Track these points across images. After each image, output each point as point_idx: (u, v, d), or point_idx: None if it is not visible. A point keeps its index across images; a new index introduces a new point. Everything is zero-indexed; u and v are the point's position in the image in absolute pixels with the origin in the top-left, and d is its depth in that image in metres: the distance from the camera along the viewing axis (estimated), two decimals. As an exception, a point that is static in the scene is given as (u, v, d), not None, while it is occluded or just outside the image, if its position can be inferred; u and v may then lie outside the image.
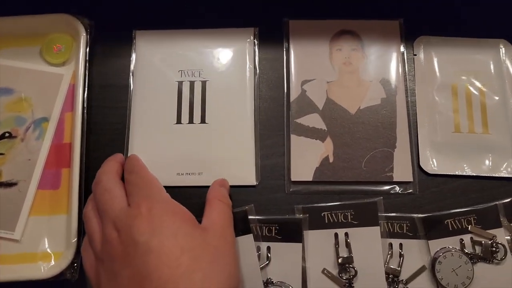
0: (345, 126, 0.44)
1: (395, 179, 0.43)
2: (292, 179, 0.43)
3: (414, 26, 0.48)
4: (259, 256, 0.41)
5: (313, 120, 0.44)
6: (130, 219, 0.34)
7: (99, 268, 0.35)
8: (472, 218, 0.42)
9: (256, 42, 0.47)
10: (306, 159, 0.43)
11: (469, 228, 0.41)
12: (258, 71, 0.46)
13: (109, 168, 0.39)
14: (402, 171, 0.43)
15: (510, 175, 0.43)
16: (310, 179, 0.43)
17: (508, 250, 0.41)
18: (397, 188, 0.43)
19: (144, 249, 0.32)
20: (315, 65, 0.46)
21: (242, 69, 0.46)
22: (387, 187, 0.43)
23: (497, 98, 0.46)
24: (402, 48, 0.47)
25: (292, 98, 0.45)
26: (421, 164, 0.44)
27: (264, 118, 0.45)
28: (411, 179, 0.43)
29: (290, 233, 0.41)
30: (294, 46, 0.47)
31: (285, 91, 0.45)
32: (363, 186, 0.43)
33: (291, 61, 0.46)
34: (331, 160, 0.43)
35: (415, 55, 0.47)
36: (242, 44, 0.46)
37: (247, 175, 0.43)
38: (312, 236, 0.41)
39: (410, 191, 0.43)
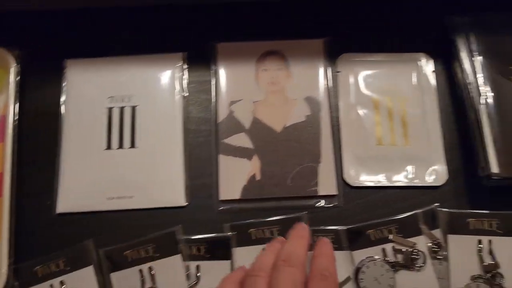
0: (271, 144, 0.46)
1: (320, 193, 0.45)
2: (221, 198, 0.44)
3: (339, 44, 0.50)
4: (188, 275, 0.42)
5: (240, 140, 0.46)
6: None
7: None
8: (393, 227, 0.43)
9: (185, 66, 0.49)
10: (233, 178, 0.45)
11: (390, 237, 0.43)
12: (187, 94, 0.48)
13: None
14: (327, 185, 0.45)
15: (429, 184, 0.46)
16: (238, 197, 0.44)
17: (428, 257, 0.43)
18: (322, 202, 0.45)
19: None
20: (242, 86, 0.48)
21: (171, 93, 0.47)
22: (312, 202, 0.45)
23: (417, 110, 0.48)
24: (326, 66, 0.49)
25: (220, 119, 0.47)
26: (345, 177, 0.45)
27: (193, 139, 0.47)
28: (336, 193, 0.45)
29: (219, 251, 0.43)
30: (222, 68, 0.48)
31: (213, 112, 0.47)
32: (290, 201, 0.45)
33: (219, 83, 0.48)
34: (258, 177, 0.45)
35: (339, 71, 0.49)
36: (171, 69, 0.48)
37: (176, 196, 0.44)
38: (239, 253, 0.43)
39: (336, 203, 0.45)
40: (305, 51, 0.49)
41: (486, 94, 0.45)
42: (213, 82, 0.48)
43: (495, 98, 0.45)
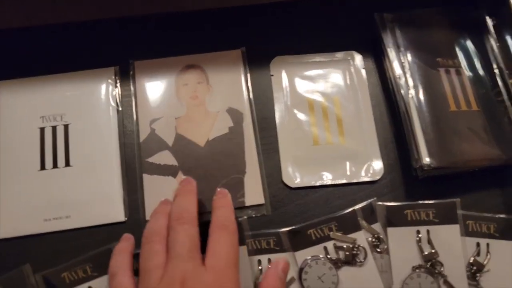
0: (195, 159, 0.45)
1: (247, 204, 0.45)
2: (147, 218, 0.43)
3: (265, 50, 0.50)
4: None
5: (164, 158, 0.45)
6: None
7: None
8: (333, 225, 0.44)
9: (118, 80, 0.48)
10: (159, 196, 0.43)
11: (330, 235, 0.44)
12: (121, 109, 0.47)
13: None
14: (253, 195, 0.45)
15: (367, 180, 0.46)
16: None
17: (368, 251, 0.43)
18: (250, 212, 0.45)
19: None
20: (162, 102, 0.47)
21: (105, 108, 0.47)
22: (242, 213, 0.44)
23: (351, 108, 0.49)
24: (246, 75, 0.49)
25: (141, 138, 0.46)
26: (283, 179, 0.46)
27: (130, 153, 0.46)
28: (263, 202, 0.45)
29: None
30: (140, 86, 0.48)
31: (135, 133, 0.47)
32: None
33: (138, 102, 0.48)
34: (183, 195, 0.44)
35: (272, 75, 0.50)
36: (103, 84, 0.48)
37: (115, 212, 0.44)
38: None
39: (263, 213, 0.45)
40: (224, 62, 0.49)
41: (415, 87, 0.47)
42: (133, 101, 0.48)
43: (424, 90, 0.47)
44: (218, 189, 0.43)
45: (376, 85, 0.50)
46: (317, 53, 0.51)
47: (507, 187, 0.46)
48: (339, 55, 0.51)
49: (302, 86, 0.49)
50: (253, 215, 0.45)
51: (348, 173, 0.46)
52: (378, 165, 0.47)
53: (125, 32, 0.51)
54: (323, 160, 0.47)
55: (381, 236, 0.44)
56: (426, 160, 0.44)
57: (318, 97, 0.49)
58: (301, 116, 0.48)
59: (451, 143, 0.44)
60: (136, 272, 0.38)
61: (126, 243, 0.41)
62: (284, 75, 0.50)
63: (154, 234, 0.38)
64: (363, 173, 0.46)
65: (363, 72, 0.50)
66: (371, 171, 0.46)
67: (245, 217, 0.44)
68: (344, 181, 0.46)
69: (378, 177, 0.46)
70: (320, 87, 0.49)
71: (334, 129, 0.48)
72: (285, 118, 0.48)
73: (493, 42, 0.49)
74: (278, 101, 0.49)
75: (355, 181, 0.46)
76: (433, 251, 0.43)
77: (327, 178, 0.46)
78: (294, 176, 0.46)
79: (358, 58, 0.50)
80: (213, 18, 0.52)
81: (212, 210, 0.41)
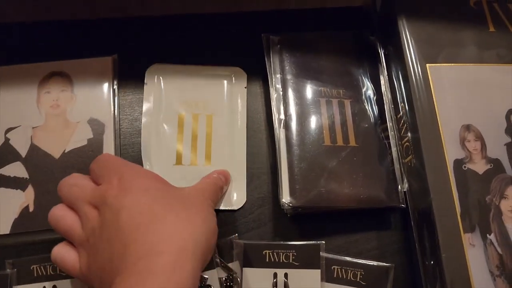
0: (48, 172, 0.42)
1: None
2: (-10, 233, 0.40)
3: (149, 58, 0.47)
4: None
5: (15, 169, 0.42)
6: (104, 192, 0.34)
7: (82, 253, 0.34)
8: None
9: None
10: (3, 211, 0.40)
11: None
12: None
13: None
14: None
15: (229, 208, 0.42)
16: (8, 231, 0.40)
17: (218, 291, 0.39)
18: None
19: (117, 208, 0.32)
20: (21, 111, 0.44)
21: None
22: None
23: (224, 129, 0.45)
24: (113, 85, 0.45)
25: None
26: None
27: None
28: None
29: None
30: (1, 93, 0.44)
31: None
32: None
33: None
34: (31, 209, 0.41)
35: (146, 84, 0.46)
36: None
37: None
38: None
39: None
40: (92, 70, 0.46)
41: (288, 116, 0.43)
42: None
43: (298, 120, 0.43)
44: None
45: (260, 110, 0.46)
46: (197, 65, 0.47)
47: (383, 231, 0.43)
48: (222, 69, 0.46)
49: (176, 98, 0.45)
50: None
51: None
52: (241, 194, 0.43)
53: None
54: (183, 182, 0.41)
55: (235, 276, 0.40)
56: (286, 198, 0.40)
57: (190, 112, 0.45)
58: (169, 130, 0.44)
59: (317, 181, 0.40)
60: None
61: None
62: (158, 85, 0.46)
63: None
64: (222, 202, 0.42)
65: (245, 92, 0.46)
66: (234, 199, 0.42)
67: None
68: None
69: (238, 207, 0.42)
70: (194, 102, 0.45)
71: (202, 150, 0.44)
72: (152, 131, 0.44)
73: (384, 74, 0.46)
74: (147, 112, 0.45)
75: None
76: (288, 297, 0.39)
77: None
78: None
79: (242, 77, 0.46)
80: (86, 26, 0.49)
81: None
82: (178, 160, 0.43)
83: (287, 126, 0.42)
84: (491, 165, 0.39)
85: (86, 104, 0.44)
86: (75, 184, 0.36)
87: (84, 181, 0.36)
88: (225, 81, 0.46)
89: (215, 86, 0.46)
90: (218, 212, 0.42)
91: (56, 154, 0.43)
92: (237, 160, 0.44)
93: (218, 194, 0.41)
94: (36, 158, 0.42)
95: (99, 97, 0.45)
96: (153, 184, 0.35)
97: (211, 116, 0.45)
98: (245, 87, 0.46)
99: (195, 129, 0.44)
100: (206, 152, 0.44)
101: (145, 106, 0.45)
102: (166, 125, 0.44)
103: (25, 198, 0.41)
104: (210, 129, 0.45)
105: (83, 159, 0.42)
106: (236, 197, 0.43)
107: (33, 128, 0.43)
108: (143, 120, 0.45)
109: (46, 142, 0.43)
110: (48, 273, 0.40)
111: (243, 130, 0.45)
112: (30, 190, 0.41)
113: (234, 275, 0.40)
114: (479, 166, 0.39)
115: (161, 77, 0.46)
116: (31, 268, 0.40)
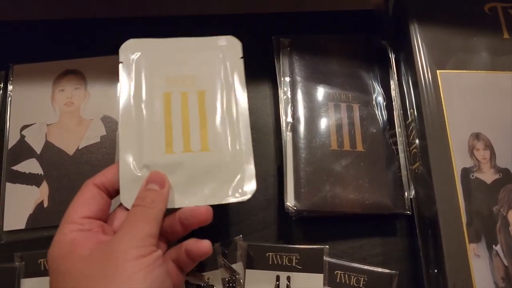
0: (62, 168, 0.43)
1: None
2: (5, 229, 0.41)
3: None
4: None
5: (30, 166, 0.43)
6: None
7: None
8: (189, 261, 0.41)
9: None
10: (19, 206, 0.42)
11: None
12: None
13: None
14: None
15: (233, 201, 0.35)
16: (23, 227, 0.42)
17: (221, 291, 0.40)
18: None
19: None
20: (36, 108, 0.45)
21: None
22: None
23: (221, 106, 0.37)
24: None
25: (10, 145, 0.44)
26: (121, 199, 0.39)
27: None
28: None
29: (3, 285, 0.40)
30: (17, 91, 0.46)
31: (6, 139, 0.44)
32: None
33: (7, 108, 0.45)
34: (45, 205, 0.42)
35: (121, 62, 0.38)
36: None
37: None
38: (28, 284, 0.40)
39: None
40: (104, 68, 0.46)
41: (296, 119, 0.43)
42: (6, 106, 0.45)
43: (306, 124, 0.43)
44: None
45: (268, 113, 0.46)
46: (182, 38, 0.40)
47: (388, 237, 0.43)
48: (210, 40, 0.40)
49: (159, 76, 0.38)
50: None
51: (207, 191, 0.35)
52: (251, 181, 0.35)
53: (8, 35, 0.49)
54: (179, 176, 0.35)
55: (238, 277, 0.41)
56: (291, 201, 0.40)
57: (178, 90, 0.37)
58: (154, 114, 0.36)
59: (323, 185, 0.41)
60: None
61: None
62: (138, 62, 0.38)
63: None
64: (229, 192, 0.35)
65: (241, 63, 0.39)
66: (240, 190, 0.35)
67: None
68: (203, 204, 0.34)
69: (247, 198, 0.35)
70: (181, 78, 0.38)
71: (196, 134, 0.36)
72: (132, 117, 0.36)
73: (395, 79, 0.45)
74: (124, 96, 0.36)
75: (217, 203, 0.34)
76: (290, 300, 0.39)
77: (184, 199, 0.34)
78: (134, 195, 0.33)
79: (236, 46, 0.39)
80: (100, 24, 0.50)
81: None
82: (168, 147, 0.36)
83: (294, 129, 0.43)
84: (500, 175, 0.38)
85: (99, 102, 0.45)
86: None
87: None
88: (216, 52, 0.39)
89: (203, 58, 0.39)
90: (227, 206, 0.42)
91: (70, 150, 0.44)
92: (241, 142, 0.37)
93: (155, 222, 0.32)
94: (50, 155, 0.44)
95: (112, 95, 0.46)
96: None
97: (203, 93, 0.38)
98: (241, 57, 0.39)
99: (185, 110, 0.37)
100: (201, 136, 0.36)
101: (122, 89, 0.37)
102: (150, 108, 0.37)
103: (40, 194, 0.42)
104: (203, 108, 0.37)
105: (96, 156, 0.44)
106: (245, 186, 0.35)
107: (47, 125, 0.45)
108: (120, 105, 0.36)
109: (60, 139, 0.44)
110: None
111: (244, 107, 0.38)
112: (44, 186, 0.43)
113: (237, 276, 0.41)
114: (488, 176, 0.38)
115: (139, 53, 0.38)
116: (39, 261, 0.41)
